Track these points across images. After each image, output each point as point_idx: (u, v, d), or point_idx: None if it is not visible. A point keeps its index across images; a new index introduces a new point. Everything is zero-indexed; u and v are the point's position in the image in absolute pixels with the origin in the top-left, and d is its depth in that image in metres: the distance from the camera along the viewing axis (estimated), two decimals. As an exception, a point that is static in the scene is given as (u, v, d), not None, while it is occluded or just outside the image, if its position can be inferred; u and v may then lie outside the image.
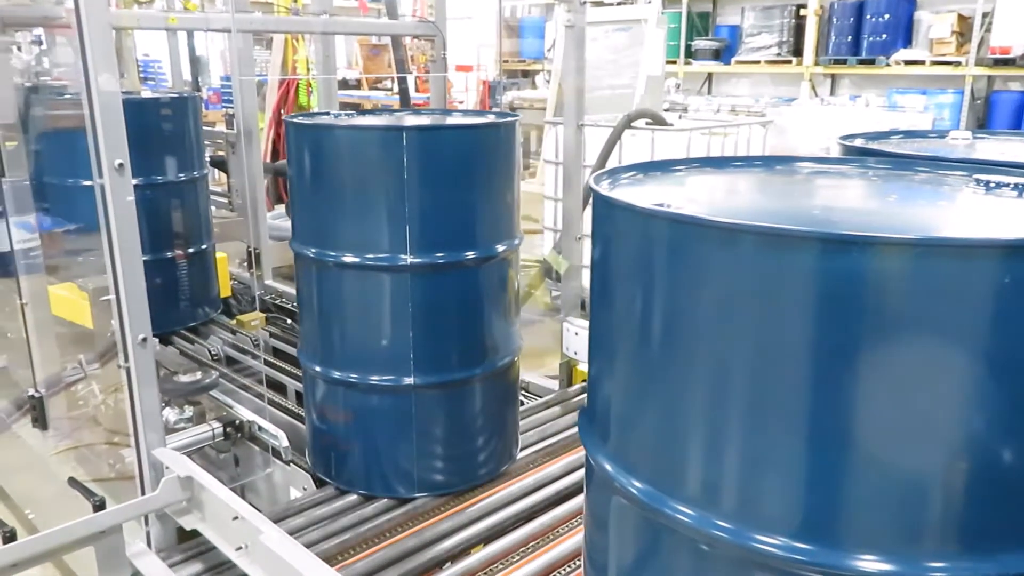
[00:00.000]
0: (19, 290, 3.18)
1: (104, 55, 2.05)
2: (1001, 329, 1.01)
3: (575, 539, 2.40)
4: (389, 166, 2.36)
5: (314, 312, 2.65)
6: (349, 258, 2.45)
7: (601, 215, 1.34)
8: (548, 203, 5.70)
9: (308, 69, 5.97)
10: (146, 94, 4.98)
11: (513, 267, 2.72)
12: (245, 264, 4.86)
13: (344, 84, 9.94)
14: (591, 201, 1.39)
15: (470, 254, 2.52)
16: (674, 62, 10.48)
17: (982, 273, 1.00)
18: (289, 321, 4.29)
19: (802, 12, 9.76)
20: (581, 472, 2.69)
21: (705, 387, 1.17)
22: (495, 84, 10.12)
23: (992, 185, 1.38)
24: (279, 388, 3.55)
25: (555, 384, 3.64)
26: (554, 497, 2.65)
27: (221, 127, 6.85)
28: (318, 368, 2.62)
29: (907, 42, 8.99)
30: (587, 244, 3.40)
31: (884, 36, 9.03)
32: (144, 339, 2.23)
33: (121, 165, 2.10)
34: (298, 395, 3.39)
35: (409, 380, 2.51)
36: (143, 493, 2.36)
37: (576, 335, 3.49)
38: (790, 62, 9.90)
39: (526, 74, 12.73)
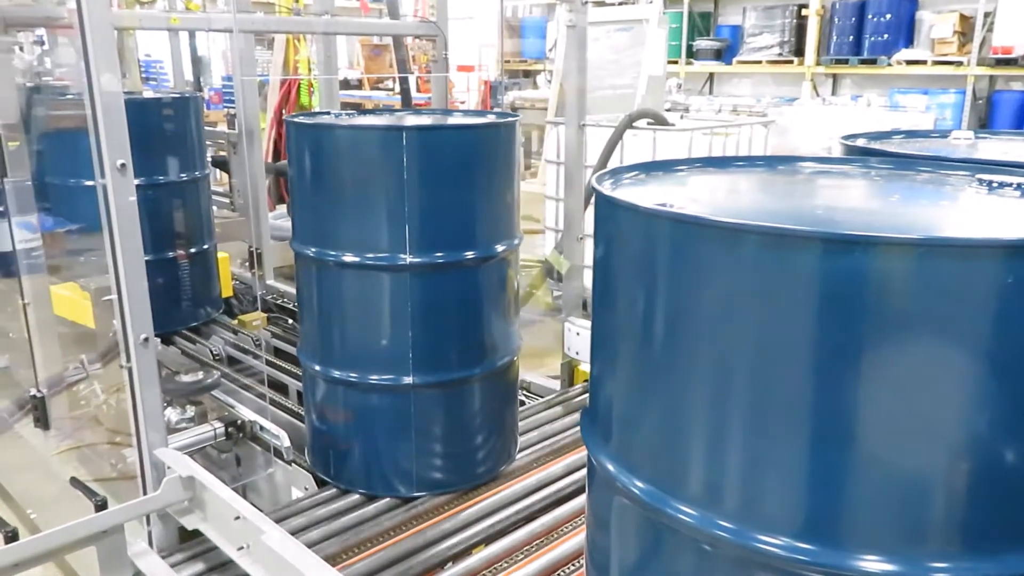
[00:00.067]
0: (21, 290, 3.19)
1: (106, 55, 2.05)
2: (1004, 329, 1.01)
3: (577, 539, 2.40)
4: (389, 166, 2.36)
5: (314, 311, 2.65)
6: (349, 257, 2.46)
7: (604, 215, 1.34)
8: (549, 203, 5.69)
9: (310, 69, 5.97)
10: (148, 94, 4.99)
11: (513, 267, 2.72)
12: (247, 264, 4.87)
13: (346, 84, 9.95)
14: (593, 201, 1.39)
15: (470, 254, 2.53)
16: (675, 62, 10.48)
17: (985, 273, 1.00)
18: (290, 321, 4.29)
19: (804, 12, 9.76)
20: (582, 472, 2.69)
21: (707, 387, 1.17)
22: (496, 84, 10.12)
23: (995, 185, 1.38)
24: (281, 388, 3.55)
25: (556, 384, 3.64)
26: (555, 497, 2.65)
27: (223, 127, 6.86)
28: (318, 367, 2.63)
29: (909, 42, 8.99)
30: (588, 244, 3.40)
31: (886, 36, 9.02)
32: (146, 339, 2.23)
33: (123, 165, 2.10)
34: (299, 395, 3.39)
35: (408, 379, 2.51)
36: (145, 493, 2.36)
37: (578, 335, 3.49)
38: (791, 62, 9.90)
39: (527, 74, 12.73)
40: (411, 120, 2.85)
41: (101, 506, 2.27)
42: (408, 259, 2.42)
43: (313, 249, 2.53)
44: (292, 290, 4.30)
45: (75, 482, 2.48)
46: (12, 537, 2.18)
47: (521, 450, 2.93)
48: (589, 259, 3.15)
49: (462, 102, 10.59)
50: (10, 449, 3.52)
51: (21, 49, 4.39)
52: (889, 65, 8.96)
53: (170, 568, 2.29)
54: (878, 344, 1.04)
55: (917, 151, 1.98)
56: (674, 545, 1.26)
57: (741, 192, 1.51)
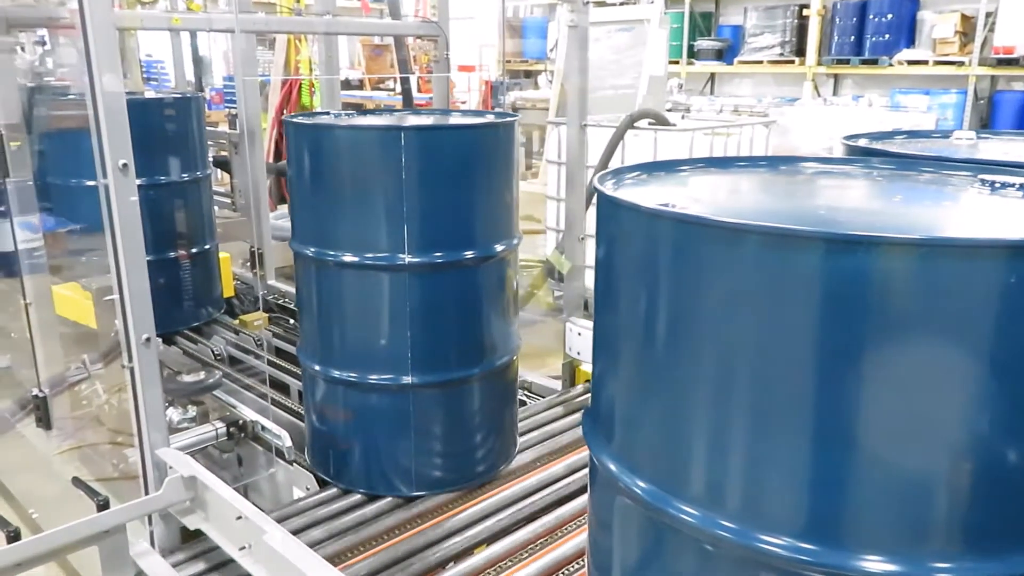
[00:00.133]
0: (23, 290, 3.19)
1: (108, 55, 2.05)
2: (1006, 329, 1.01)
3: (578, 539, 2.40)
4: (387, 166, 2.37)
5: (313, 311, 2.66)
6: (348, 257, 2.46)
7: (606, 215, 1.34)
8: (551, 203, 5.69)
9: (311, 69, 5.98)
10: (149, 94, 4.99)
11: (512, 267, 2.72)
12: (248, 264, 4.87)
13: (347, 84, 9.95)
14: (595, 201, 1.39)
15: (469, 254, 2.53)
16: (677, 62, 10.48)
17: (987, 273, 1.00)
18: (292, 321, 4.29)
19: (805, 12, 9.75)
20: (584, 472, 2.69)
21: (710, 387, 1.17)
22: (497, 84, 10.12)
23: (997, 185, 1.38)
24: (282, 388, 3.56)
25: (558, 384, 3.64)
26: (557, 497, 2.65)
27: (224, 127, 6.86)
28: (317, 367, 2.63)
29: (910, 42, 8.98)
30: (590, 244, 3.40)
31: (887, 36, 9.02)
32: (148, 339, 2.23)
33: (125, 165, 2.10)
34: (301, 395, 3.39)
35: (407, 379, 2.52)
36: (147, 493, 2.36)
37: (579, 335, 3.49)
38: (793, 62, 9.89)
39: (528, 74, 12.73)
40: (409, 120, 2.85)
41: (103, 506, 2.27)
42: (407, 259, 2.43)
43: (312, 249, 2.53)
44: (293, 290, 4.30)
45: (77, 482, 2.48)
46: (14, 537, 2.18)
47: (522, 450, 2.93)
48: (590, 259, 3.15)
49: (463, 102, 10.59)
50: (12, 449, 3.52)
51: (23, 49, 4.39)
52: (890, 65, 8.96)
53: (172, 568, 2.29)
54: (880, 344, 1.04)
55: (919, 151, 1.98)
56: (676, 545, 1.26)
57: (743, 192, 1.51)
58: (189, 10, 5.50)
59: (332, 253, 2.49)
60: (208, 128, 4.85)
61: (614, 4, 9.31)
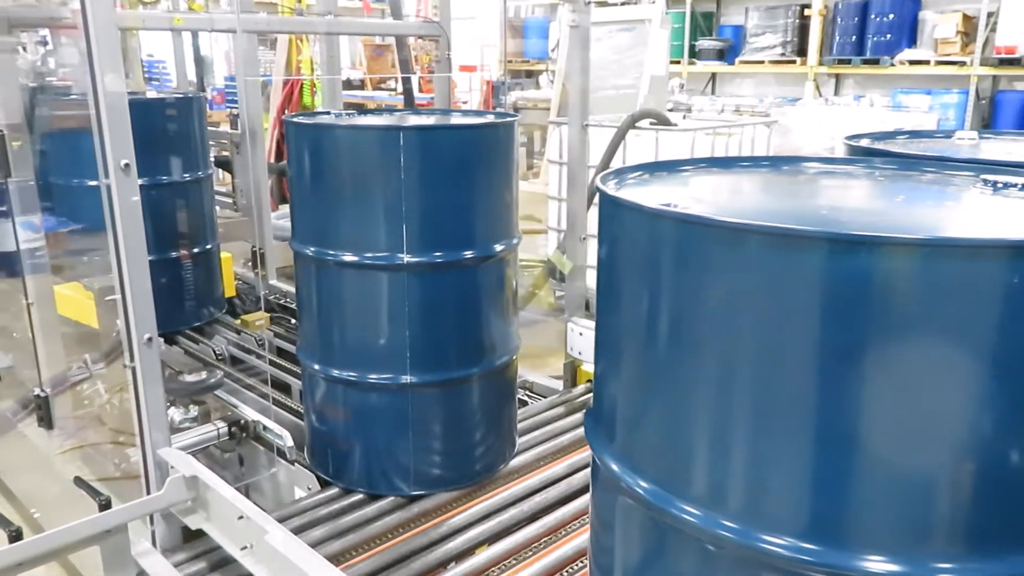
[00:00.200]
0: (25, 290, 3.19)
1: (110, 55, 2.05)
2: (1009, 329, 1.01)
3: (580, 539, 2.40)
4: (386, 166, 2.37)
5: (313, 311, 2.66)
6: (347, 257, 2.46)
7: (608, 215, 1.34)
8: (552, 203, 5.70)
9: (312, 69, 5.98)
10: (151, 94, 4.99)
11: (511, 267, 2.72)
12: (249, 264, 4.87)
13: (348, 84, 9.96)
14: (597, 201, 1.39)
15: (468, 253, 2.53)
16: (678, 62, 10.49)
17: (990, 273, 1.00)
18: (293, 321, 4.29)
19: (806, 12, 9.76)
20: (586, 472, 2.69)
21: (712, 387, 1.17)
22: (499, 84, 10.13)
23: (999, 185, 1.38)
24: (284, 388, 3.56)
25: (559, 384, 3.64)
26: (559, 497, 2.65)
27: (225, 127, 6.85)
28: (317, 366, 2.63)
29: (912, 42, 8.98)
30: (591, 244, 3.40)
31: (888, 36, 9.02)
32: (149, 339, 2.23)
33: (127, 165, 2.10)
34: (302, 395, 3.40)
35: (406, 379, 2.52)
36: (148, 492, 2.36)
37: (580, 335, 3.49)
38: (794, 62, 9.89)
39: (530, 74, 12.74)
40: (409, 120, 2.85)
41: (105, 506, 2.27)
42: (406, 258, 2.43)
43: (312, 248, 2.53)
44: (294, 290, 4.30)
45: (79, 482, 2.48)
46: (16, 536, 2.18)
47: (524, 450, 2.93)
48: (591, 259, 3.15)
49: (465, 102, 10.60)
50: (14, 448, 3.52)
51: (25, 49, 4.40)
52: (892, 65, 8.96)
53: (173, 568, 2.29)
54: (882, 344, 1.04)
55: (921, 151, 1.98)
56: (678, 545, 1.26)
57: (745, 192, 1.51)
58: (191, 10, 5.50)
59: (332, 252, 2.49)
60: (210, 128, 4.85)
61: (615, 4, 9.31)
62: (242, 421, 2.94)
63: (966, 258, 1.00)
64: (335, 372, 2.59)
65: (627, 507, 1.34)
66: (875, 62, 9.09)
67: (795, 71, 9.91)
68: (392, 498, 2.62)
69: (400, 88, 5.64)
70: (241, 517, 2.15)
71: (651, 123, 4.83)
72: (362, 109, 6.90)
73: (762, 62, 10.16)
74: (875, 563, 1.08)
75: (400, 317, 2.48)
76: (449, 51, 3.98)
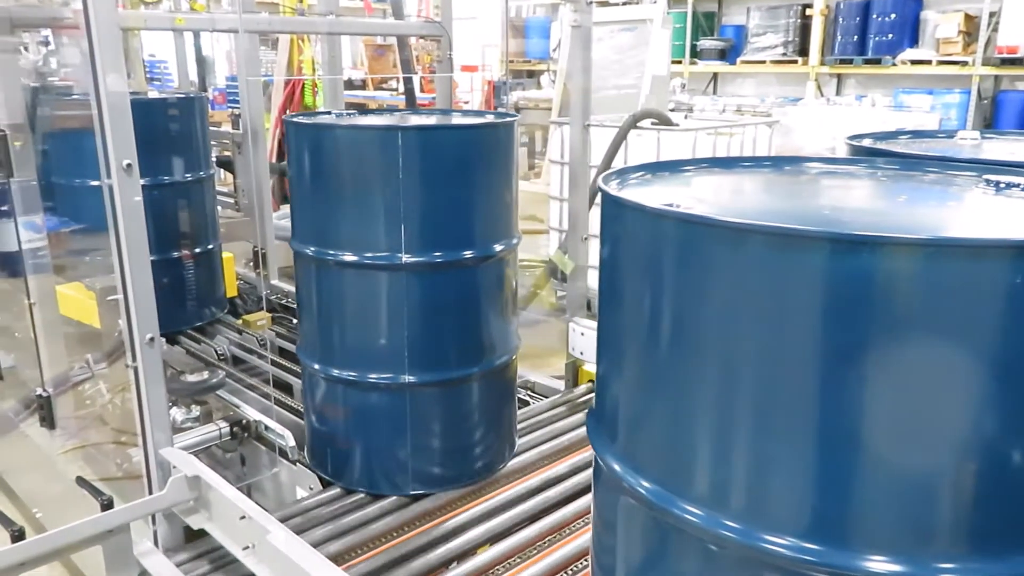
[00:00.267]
0: (27, 290, 3.19)
1: (112, 56, 2.06)
2: (1012, 330, 1.01)
3: (582, 539, 2.40)
4: (385, 166, 2.37)
5: (313, 310, 2.66)
6: (347, 257, 2.46)
7: (610, 215, 1.34)
8: (554, 203, 5.70)
9: (313, 69, 5.98)
10: (152, 94, 4.99)
11: (511, 267, 2.72)
12: (251, 264, 4.87)
13: (350, 84, 9.96)
14: (599, 201, 1.39)
15: (467, 253, 2.53)
16: (679, 62, 10.49)
17: (993, 273, 1.00)
18: (295, 321, 4.28)
19: (808, 12, 9.76)
20: (587, 472, 2.69)
21: (714, 387, 1.17)
22: (500, 84, 10.12)
23: (1002, 186, 1.38)
24: (285, 388, 3.56)
25: (561, 384, 3.64)
26: (560, 497, 2.65)
27: (227, 127, 6.86)
28: (317, 366, 2.63)
29: (913, 42, 8.97)
30: (593, 244, 3.40)
31: (890, 36, 9.01)
32: (151, 339, 2.23)
33: (129, 165, 2.10)
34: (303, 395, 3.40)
35: (405, 378, 2.52)
36: (150, 492, 2.36)
37: (582, 335, 3.49)
38: (796, 62, 9.89)
39: (531, 74, 12.74)
40: (409, 120, 2.85)
41: (107, 505, 2.28)
42: (405, 258, 2.43)
43: (312, 248, 2.53)
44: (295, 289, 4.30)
45: (81, 481, 2.48)
46: (18, 536, 2.18)
47: (526, 450, 2.93)
48: (593, 259, 3.15)
49: (466, 102, 10.60)
50: (16, 448, 3.53)
51: (27, 49, 4.40)
52: (893, 65, 8.95)
53: (175, 567, 2.30)
54: (885, 344, 1.04)
55: (923, 151, 1.97)
56: (680, 545, 1.26)
57: (747, 192, 1.51)
58: (192, 10, 5.50)
59: (331, 252, 2.49)
60: (211, 128, 4.85)
61: (617, 4, 9.31)
62: (244, 421, 2.95)
63: (968, 258, 1.00)
64: (335, 372, 2.59)
65: (629, 507, 1.34)
66: (877, 62, 9.08)
67: (797, 71, 9.90)
68: (394, 498, 2.62)
69: (402, 88, 5.63)
70: (243, 517, 2.15)
71: (653, 123, 4.83)
72: (363, 109, 6.90)
73: (764, 62, 10.16)
74: (877, 563, 1.08)
75: (400, 317, 2.48)
76: (451, 51, 3.98)
